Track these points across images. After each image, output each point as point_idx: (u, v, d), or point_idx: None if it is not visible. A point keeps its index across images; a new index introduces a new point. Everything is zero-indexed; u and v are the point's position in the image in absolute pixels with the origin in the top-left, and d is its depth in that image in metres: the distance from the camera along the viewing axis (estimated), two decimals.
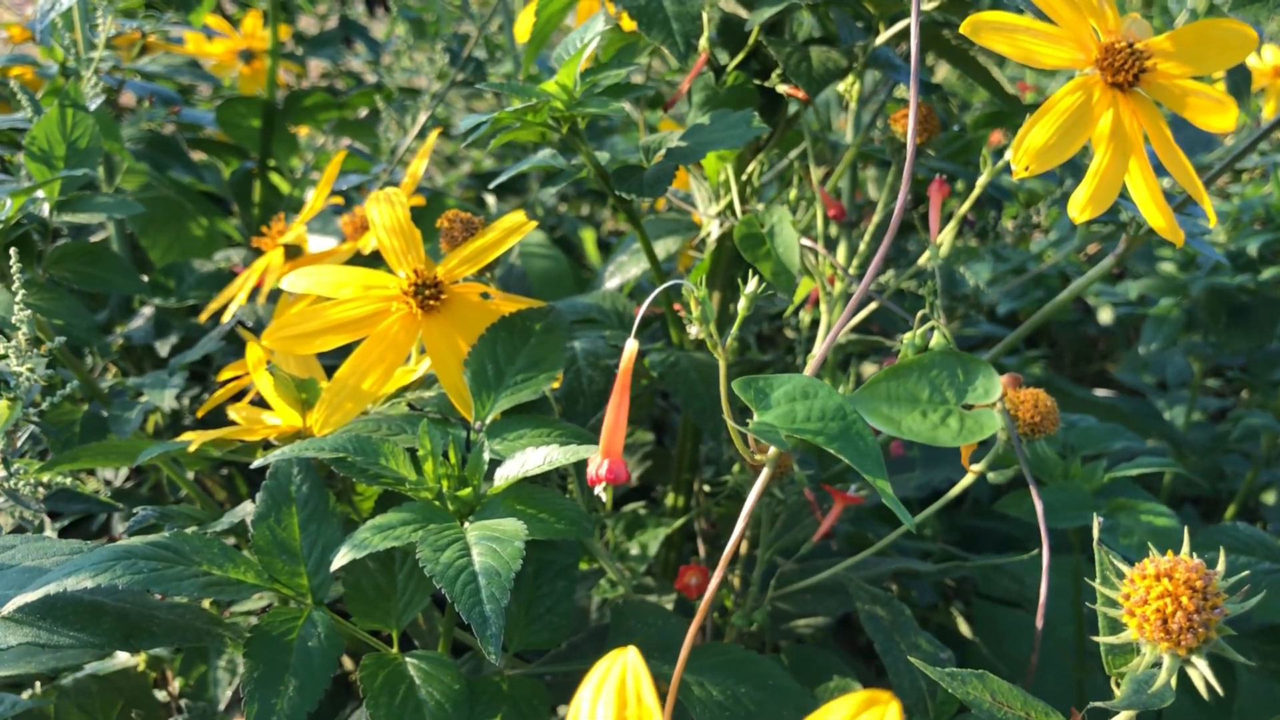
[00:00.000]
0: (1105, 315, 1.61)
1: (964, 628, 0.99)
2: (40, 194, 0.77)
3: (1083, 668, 0.90)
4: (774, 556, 0.83)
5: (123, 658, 0.80)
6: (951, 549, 0.99)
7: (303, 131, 1.49)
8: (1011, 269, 1.41)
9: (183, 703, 0.74)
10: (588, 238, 1.56)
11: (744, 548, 0.84)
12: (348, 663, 0.93)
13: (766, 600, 0.79)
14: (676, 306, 0.83)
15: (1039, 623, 0.63)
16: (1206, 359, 1.31)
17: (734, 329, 0.48)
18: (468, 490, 0.59)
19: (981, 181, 0.69)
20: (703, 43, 0.73)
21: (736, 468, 0.85)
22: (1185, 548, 0.48)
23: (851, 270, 0.85)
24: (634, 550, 0.86)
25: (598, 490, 0.50)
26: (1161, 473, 1.25)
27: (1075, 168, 1.05)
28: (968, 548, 1.10)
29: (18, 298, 0.64)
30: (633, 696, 0.37)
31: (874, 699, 0.33)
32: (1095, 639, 0.50)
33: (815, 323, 0.97)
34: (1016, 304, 1.44)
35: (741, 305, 0.47)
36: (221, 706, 0.76)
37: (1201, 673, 0.46)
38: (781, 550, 0.84)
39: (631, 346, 0.47)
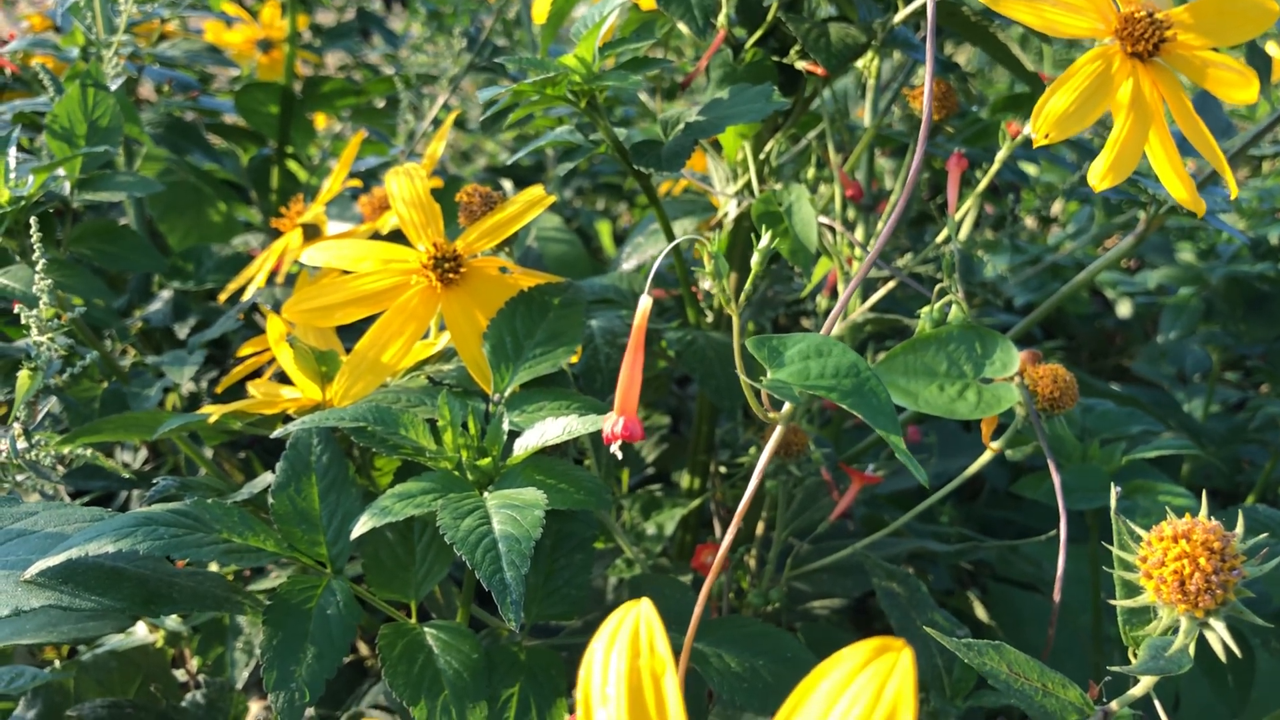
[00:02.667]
0: (1123, 308, 1.60)
1: (981, 612, 0.99)
2: (61, 172, 0.77)
3: (1100, 653, 0.90)
4: (790, 537, 0.83)
5: (141, 634, 0.80)
6: (969, 533, 0.99)
7: (320, 122, 1.49)
8: (1028, 260, 1.40)
9: (201, 678, 0.74)
10: (603, 230, 1.56)
11: (760, 529, 0.84)
12: (363, 648, 0.93)
13: (783, 580, 0.79)
14: (694, 288, 0.83)
15: (1056, 596, 0.63)
16: (1225, 349, 1.30)
17: (749, 283, 0.48)
18: (487, 460, 0.59)
19: (1000, 156, 0.69)
20: (721, 19, 0.73)
21: (752, 450, 0.85)
22: (1203, 512, 0.48)
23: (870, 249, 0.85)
24: (650, 530, 0.86)
25: (613, 448, 0.50)
26: (1179, 465, 1.25)
27: (1090, 153, 1.04)
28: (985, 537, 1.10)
29: (38, 267, 0.64)
30: (646, 646, 0.37)
31: (886, 645, 0.33)
32: (1112, 603, 0.50)
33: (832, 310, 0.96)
34: (1034, 295, 1.43)
35: (755, 260, 0.47)
36: (239, 686, 0.77)
37: (1219, 635, 0.46)
38: (798, 531, 0.84)
39: (645, 303, 0.47)
